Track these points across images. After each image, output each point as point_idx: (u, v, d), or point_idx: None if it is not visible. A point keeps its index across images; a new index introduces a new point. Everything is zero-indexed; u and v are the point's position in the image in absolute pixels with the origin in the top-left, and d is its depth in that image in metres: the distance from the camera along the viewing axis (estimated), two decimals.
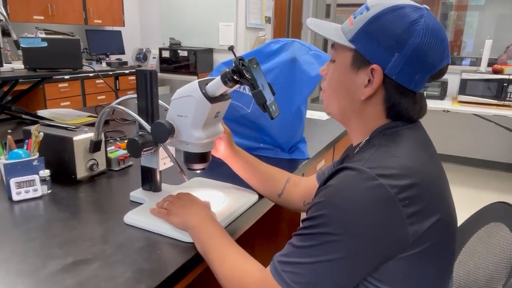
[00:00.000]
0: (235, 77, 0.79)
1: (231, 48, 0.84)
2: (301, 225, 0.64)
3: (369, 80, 0.70)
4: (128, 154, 1.14)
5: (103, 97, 4.10)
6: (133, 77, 4.38)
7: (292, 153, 1.37)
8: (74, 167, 1.06)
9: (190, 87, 0.82)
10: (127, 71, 4.35)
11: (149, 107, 0.93)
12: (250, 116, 1.33)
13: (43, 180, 1.00)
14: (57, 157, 1.09)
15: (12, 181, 0.96)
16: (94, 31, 4.46)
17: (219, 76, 0.80)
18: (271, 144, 1.38)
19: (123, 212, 0.90)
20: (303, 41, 1.36)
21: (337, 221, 0.58)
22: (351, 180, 0.60)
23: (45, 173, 1.00)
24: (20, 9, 3.59)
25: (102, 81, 4.06)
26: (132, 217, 0.86)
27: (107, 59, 4.60)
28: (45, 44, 1.51)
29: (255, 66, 0.82)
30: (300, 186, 1.03)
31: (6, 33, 1.54)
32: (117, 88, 4.28)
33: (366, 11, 0.70)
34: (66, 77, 3.68)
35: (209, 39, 4.72)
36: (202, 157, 0.90)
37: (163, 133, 0.83)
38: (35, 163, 1.00)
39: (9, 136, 1.02)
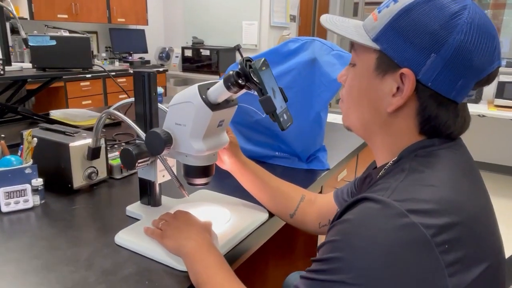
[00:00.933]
0: (239, 81, 0.68)
1: (237, 48, 0.73)
2: (312, 265, 0.52)
3: (398, 88, 0.57)
4: None
5: (125, 95, 4.08)
6: None
7: (310, 163, 1.25)
8: (70, 175, 0.98)
9: (189, 92, 0.72)
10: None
11: (147, 113, 0.84)
12: (264, 122, 1.22)
13: (35, 190, 0.92)
14: (53, 164, 1.01)
15: (1, 191, 0.89)
16: (117, 29, 4.46)
17: (222, 80, 0.69)
18: (288, 153, 1.26)
19: (117, 229, 0.81)
20: (329, 41, 1.23)
21: (355, 269, 0.45)
22: (374, 216, 0.48)
23: (38, 182, 0.92)
24: (45, 8, 3.60)
25: (124, 79, 4.04)
26: (123, 237, 0.77)
27: (130, 57, 4.59)
28: (53, 42, 1.45)
29: (264, 68, 0.71)
30: (315, 205, 0.91)
31: (15, 31, 1.49)
32: None
33: (394, 3, 0.58)
34: (88, 75, 3.67)
35: (232, 38, 4.63)
36: (204, 171, 0.79)
37: (158, 144, 0.73)
38: (27, 171, 0.92)
39: (1, 141, 0.95)
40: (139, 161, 0.78)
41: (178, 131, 0.74)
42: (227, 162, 0.91)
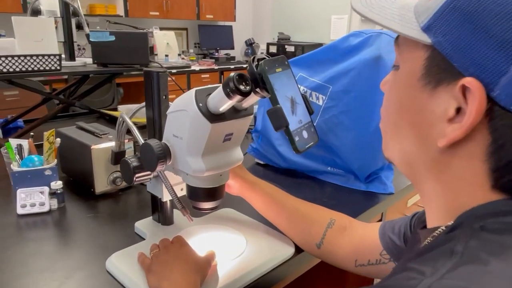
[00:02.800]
0: (241, 88, 0.51)
1: (249, 43, 0.57)
2: None
3: (458, 110, 0.36)
4: None
5: None
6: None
7: (370, 184, 1.03)
8: (93, 179, 0.92)
9: (186, 97, 0.58)
10: (232, 67, 4.32)
11: (155, 118, 0.72)
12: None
13: (53, 193, 0.87)
14: (78, 166, 0.96)
15: (19, 192, 0.85)
16: (206, 26, 4.54)
17: (221, 85, 0.54)
18: (342, 169, 1.06)
19: (117, 248, 0.71)
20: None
21: None
22: None
23: (57, 185, 0.87)
24: (138, 6, 3.80)
25: (207, 75, 4.10)
26: (113, 263, 0.67)
27: (216, 54, 4.65)
28: (112, 38, 1.43)
29: (279, 69, 0.54)
30: (351, 234, 0.71)
31: (81, 27, 1.51)
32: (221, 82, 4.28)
33: None
34: (173, 71, 3.78)
35: (320, 33, 4.41)
36: (209, 193, 0.65)
37: (150, 159, 0.61)
38: (47, 173, 0.88)
39: (28, 140, 0.93)
40: (137, 175, 0.67)
41: (175, 145, 0.61)
42: (232, 185, 0.75)
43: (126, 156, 0.67)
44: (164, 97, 0.71)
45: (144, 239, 0.76)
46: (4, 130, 1.49)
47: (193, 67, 4.00)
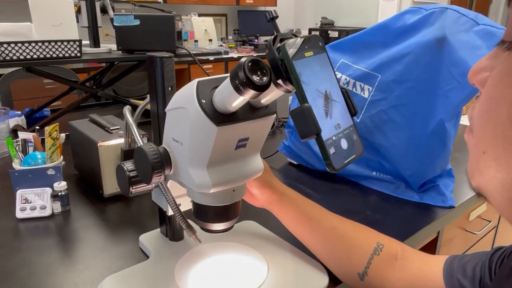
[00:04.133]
0: (254, 79, 0.36)
1: (269, 17, 0.42)
2: None
3: None
4: None
5: None
6: None
7: (425, 194, 0.85)
8: (100, 180, 0.81)
9: (185, 91, 0.44)
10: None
11: (160, 114, 0.59)
12: (359, 129, 0.86)
13: (55, 196, 0.77)
14: (87, 165, 0.86)
15: (19, 194, 0.76)
16: (245, 11, 4.39)
17: (229, 76, 0.39)
18: (391, 175, 0.89)
19: (115, 269, 0.60)
20: (492, 20, 0.78)
21: None
22: None
23: (60, 186, 0.78)
24: None
25: None
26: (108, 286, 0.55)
27: (256, 40, 4.49)
28: (137, 22, 1.33)
29: (309, 53, 0.38)
30: (402, 266, 0.55)
31: (105, 11, 1.42)
32: None
33: None
34: (211, 58, 3.68)
35: (366, 17, 4.12)
36: (219, 213, 0.51)
37: (145, 169, 0.48)
38: (49, 172, 0.78)
39: (33, 134, 0.83)
40: (136, 186, 0.54)
41: (176, 151, 0.48)
42: (258, 196, 0.61)
43: (123, 161, 0.55)
44: (170, 88, 0.58)
45: (148, 256, 0.64)
46: (31, 119, 1.44)
47: (231, 54, 3.87)
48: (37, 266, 0.62)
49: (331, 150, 0.37)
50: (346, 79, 0.88)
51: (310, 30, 4.32)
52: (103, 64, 1.61)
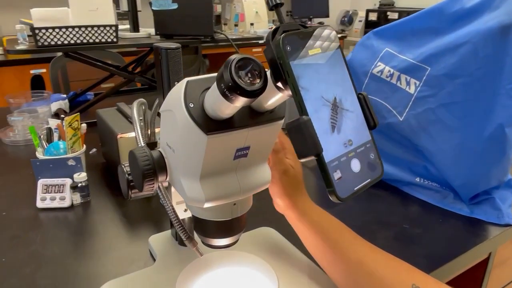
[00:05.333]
0: (241, 84, 0.29)
1: (273, 5, 0.34)
2: None
3: None
4: None
5: None
6: None
7: (477, 207, 0.73)
8: None
9: (175, 91, 0.38)
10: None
11: None
12: (403, 128, 0.76)
13: (75, 187, 0.76)
14: (110, 155, 0.84)
15: (40, 183, 0.76)
16: None
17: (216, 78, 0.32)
18: (437, 182, 0.77)
19: (126, 269, 0.58)
20: None
21: None
22: None
23: (80, 177, 0.76)
24: None
25: None
26: None
27: (309, 22, 4.33)
28: (175, 6, 1.28)
29: (314, 51, 0.30)
30: None
31: None
32: None
33: None
34: (260, 41, 3.60)
35: None
36: (219, 228, 0.45)
37: (136, 175, 0.43)
38: (70, 162, 0.77)
39: (58, 122, 0.83)
40: (134, 191, 0.50)
41: (170, 158, 0.42)
42: (277, 205, 0.54)
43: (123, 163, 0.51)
44: (176, 83, 0.52)
45: (154, 260, 0.60)
46: (74, 103, 1.47)
47: None
48: (44, 261, 0.61)
49: (336, 175, 0.29)
50: (389, 71, 0.77)
51: (368, 11, 4.06)
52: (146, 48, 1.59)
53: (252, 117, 0.38)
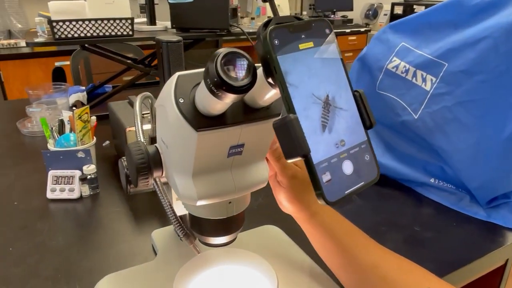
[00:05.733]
0: (227, 80, 0.28)
1: None
2: None
3: None
4: None
5: (350, 54, 3.78)
6: (353, 37, 3.90)
7: (494, 211, 0.70)
8: None
9: (167, 86, 0.37)
10: (347, 30, 3.89)
11: None
12: (417, 127, 0.73)
13: (84, 179, 0.77)
14: (119, 148, 0.85)
15: (50, 174, 0.77)
16: None
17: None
18: (453, 184, 0.74)
19: (124, 264, 0.58)
20: None
21: None
22: None
23: (89, 170, 0.77)
24: None
25: (353, 37, 3.77)
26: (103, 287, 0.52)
27: (332, 16, 4.25)
28: None
29: (305, 44, 0.29)
30: None
31: None
32: None
33: None
34: None
35: None
36: (215, 226, 0.44)
37: (132, 170, 0.43)
38: (79, 155, 0.77)
39: (69, 114, 0.83)
40: (142, 178, 0.49)
41: (165, 153, 0.42)
42: (285, 208, 0.52)
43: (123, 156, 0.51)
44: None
45: (155, 255, 0.60)
46: (92, 95, 1.49)
47: (342, 30, 3.70)
48: (49, 252, 0.62)
49: (325, 177, 0.28)
50: (405, 66, 0.74)
51: (394, 4, 3.95)
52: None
53: (246, 113, 0.36)
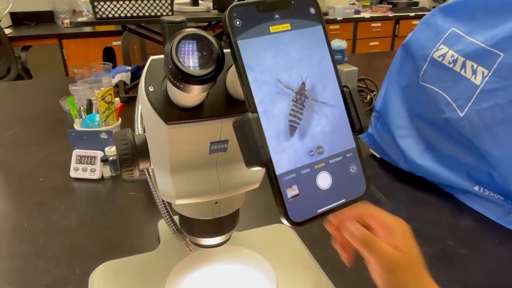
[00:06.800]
0: (183, 68, 0.24)
1: None
2: None
3: None
4: None
5: (376, 43, 3.62)
6: (417, 21, 3.62)
7: None
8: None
9: (144, 71, 0.33)
10: (412, 14, 3.63)
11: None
12: (462, 126, 0.64)
13: (105, 160, 0.77)
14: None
15: (75, 153, 0.78)
16: None
17: None
18: (501, 194, 0.64)
19: (127, 251, 0.57)
20: None
21: None
22: None
23: (111, 151, 0.77)
24: None
25: (378, 24, 3.56)
26: (95, 279, 0.51)
27: None
28: None
29: (278, 26, 0.23)
30: None
31: None
32: (396, 34, 3.68)
33: None
34: (339, 18, 3.41)
35: None
36: (203, 227, 0.41)
37: (118, 159, 0.40)
38: (102, 136, 0.77)
39: (97, 91, 0.83)
40: (126, 169, 0.46)
41: (150, 145, 0.38)
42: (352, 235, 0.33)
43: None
44: None
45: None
46: (136, 76, 1.51)
47: (362, 14, 3.51)
48: (58, 231, 0.62)
49: (291, 191, 0.22)
50: (453, 56, 0.64)
51: None
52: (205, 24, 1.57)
53: (229, 105, 0.32)
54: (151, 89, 0.31)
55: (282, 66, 0.23)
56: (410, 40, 0.74)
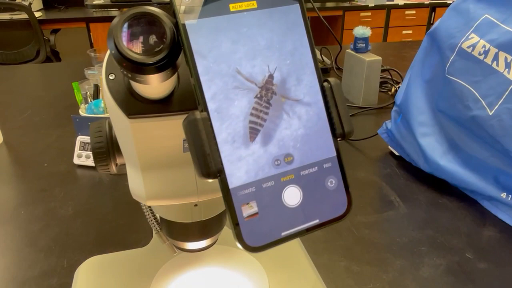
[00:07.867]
0: (131, 53, 0.20)
1: None
2: None
3: None
4: None
5: (410, 31, 3.46)
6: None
7: None
8: None
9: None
10: (449, 1, 3.43)
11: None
12: (491, 125, 0.57)
13: None
14: None
15: (78, 139, 0.76)
16: None
17: None
18: None
19: (124, 245, 0.54)
20: None
21: None
22: None
23: None
24: None
25: (413, 12, 3.40)
26: (80, 273, 0.49)
27: None
28: None
29: (246, 4, 0.19)
30: None
31: None
32: (431, 22, 3.49)
33: None
34: (371, 5, 3.27)
35: None
36: (183, 230, 0.37)
37: (93, 155, 0.37)
38: None
39: (100, 76, 0.81)
40: (100, 164, 0.43)
41: (118, 140, 0.35)
42: None
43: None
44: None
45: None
46: None
47: (396, 1, 3.36)
48: (54, 220, 0.60)
49: (247, 209, 0.18)
50: (484, 46, 0.57)
51: None
52: None
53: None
54: (111, 77, 0.27)
55: (243, 54, 0.19)
56: (437, 28, 0.67)
